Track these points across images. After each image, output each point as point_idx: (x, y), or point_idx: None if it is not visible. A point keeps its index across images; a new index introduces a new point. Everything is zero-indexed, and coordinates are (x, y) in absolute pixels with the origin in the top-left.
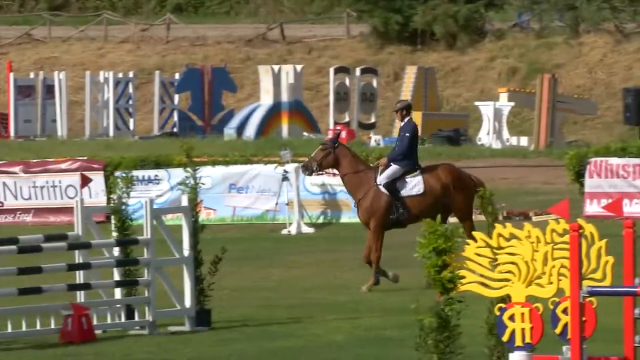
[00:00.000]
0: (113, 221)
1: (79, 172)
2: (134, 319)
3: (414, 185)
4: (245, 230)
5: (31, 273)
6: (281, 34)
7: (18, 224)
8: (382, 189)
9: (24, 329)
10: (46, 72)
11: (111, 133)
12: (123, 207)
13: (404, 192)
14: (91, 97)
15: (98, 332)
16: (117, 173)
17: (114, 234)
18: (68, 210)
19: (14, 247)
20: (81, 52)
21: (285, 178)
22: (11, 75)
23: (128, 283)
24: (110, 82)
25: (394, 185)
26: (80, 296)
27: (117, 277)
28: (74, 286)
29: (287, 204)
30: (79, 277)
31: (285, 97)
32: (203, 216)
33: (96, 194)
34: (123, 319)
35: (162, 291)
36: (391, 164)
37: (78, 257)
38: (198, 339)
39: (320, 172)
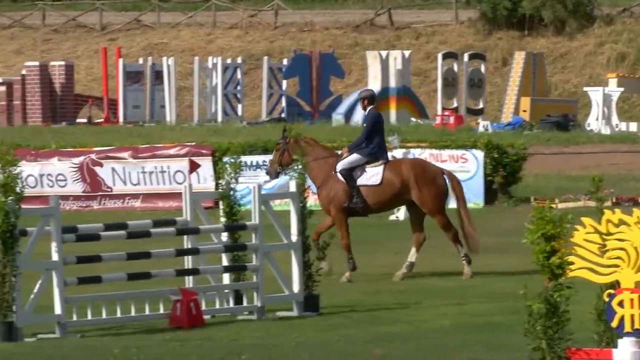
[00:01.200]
0: (221, 207)
1: (188, 158)
2: (242, 304)
3: (372, 175)
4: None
5: (140, 258)
6: (389, 19)
7: (127, 210)
8: (339, 176)
9: (132, 314)
10: (155, 58)
11: (219, 119)
12: (231, 192)
13: (361, 181)
14: (199, 83)
15: (206, 317)
16: (226, 159)
17: (223, 219)
18: (176, 195)
19: (123, 232)
20: (190, 38)
21: None
22: (120, 61)
23: (236, 268)
24: (218, 68)
25: (350, 173)
26: (189, 281)
27: (225, 262)
28: (183, 271)
29: None
30: (188, 262)
31: (393, 82)
32: (311, 202)
33: (204, 180)
34: (231, 304)
35: (270, 276)
36: (353, 152)
37: (187, 242)
38: (306, 324)
39: (285, 171)
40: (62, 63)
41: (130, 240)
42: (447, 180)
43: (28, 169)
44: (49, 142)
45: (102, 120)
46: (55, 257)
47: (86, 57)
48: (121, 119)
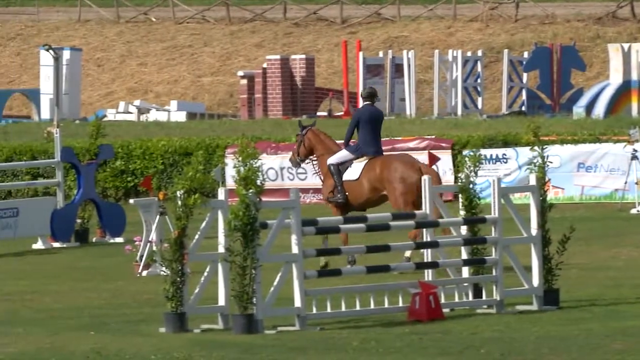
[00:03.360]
0: (460, 200)
1: (427, 151)
2: (481, 297)
3: (353, 170)
4: (593, 210)
5: (379, 251)
6: (631, 11)
7: None
8: (331, 170)
9: (372, 306)
10: (395, 51)
11: (459, 112)
12: (471, 185)
13: (344, 177)
14: (439, 76)
15: (446, 310)
16: (465, 152)
17: (462, 212)
18: None
19: (362, 225)
20: (430, 31)
21: (634, 157)
22: (360, 54)
23: (475, 262)
24: (458, 61)
25: (338, 168)
26: (428, 274)
27: (464, 255)
28: (422, 264)
29: (637, 183)
30: (427, 255)
31: (635, 75)
32: (551, 195)
33: (444, 173)
34: (470, 298)
35: (509, 270)
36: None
37: (426, 235)
38: (546, 318)
39: (305, 161)
40: (303, 56)
41: (369, 233)
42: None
43: (269, 162)
44: (289, 135)
45: (342, 113)
46: (295, 249)
47: (326, 50)
48: None
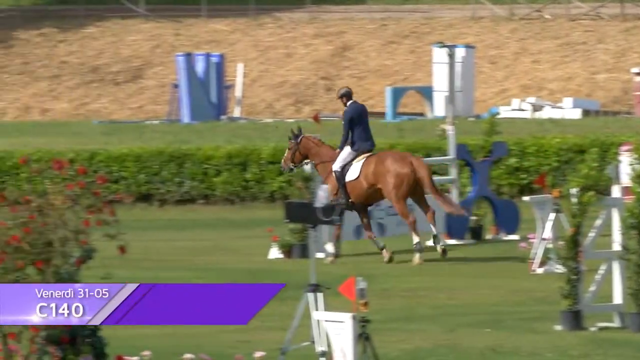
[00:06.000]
0: None
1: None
2: None
3: (353, 171)
4: None
5: None
6: None
7: None
8: (334, 176)
9: None
10: None
11: None
12: None
13: (346, 178)
14: None
15: None
16: None
17: None
18: None
19: None
20: None
21: None
22: None
23: None
24: None
25: (342, 173)
26: None
27: None
28: None
29: None
30: None
31: None
32: None
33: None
34: None
35: None
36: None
37: None
38: None
39: (298, 167)
40: None
41: None
42: (413, 170)
43: None
44: None
45: None
46: None
47: None
48: None
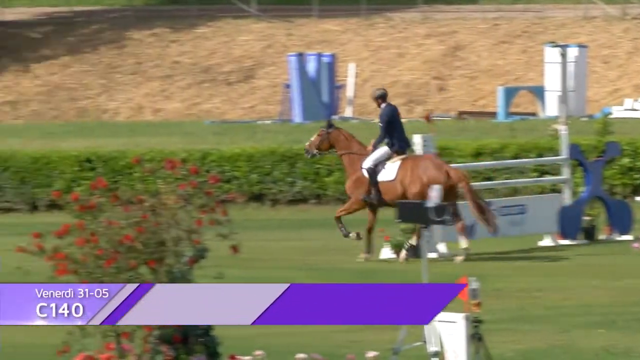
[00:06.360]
0: None
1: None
2: None
3: (389, 171)
4: None
5: None
6: None
7: None
8: (365, 173)
9: None
10: None
11: None
12: None
13: (380, 177)
14: None
15: None
16: None
17: None
18: None
19: None
20: None
21: None
22: None
23: None
24: None
25: (374, 170)
26: None
27: None
28: None
29: None
30: None
31: None
32: None
33: None
34: None
35: None
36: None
37: None
38: None
39: (321, 154)
40: None
41: None
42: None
43: None
44: None
45: None
46: None
47: None
48: None
